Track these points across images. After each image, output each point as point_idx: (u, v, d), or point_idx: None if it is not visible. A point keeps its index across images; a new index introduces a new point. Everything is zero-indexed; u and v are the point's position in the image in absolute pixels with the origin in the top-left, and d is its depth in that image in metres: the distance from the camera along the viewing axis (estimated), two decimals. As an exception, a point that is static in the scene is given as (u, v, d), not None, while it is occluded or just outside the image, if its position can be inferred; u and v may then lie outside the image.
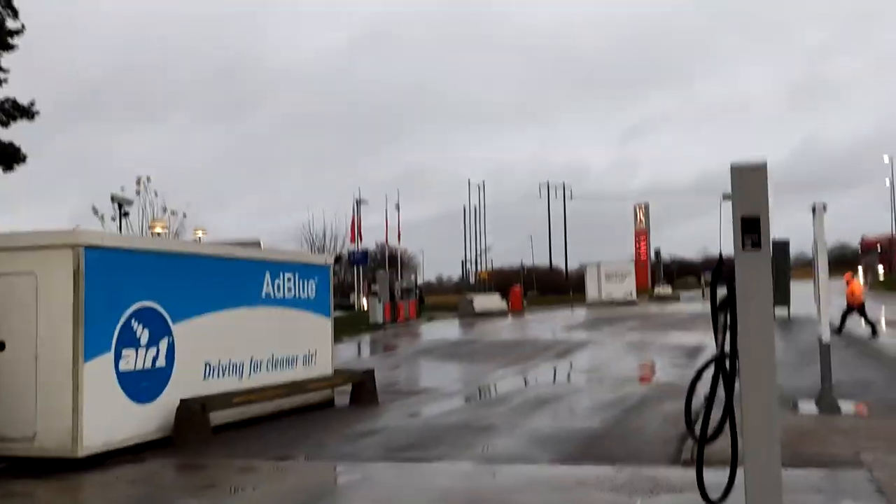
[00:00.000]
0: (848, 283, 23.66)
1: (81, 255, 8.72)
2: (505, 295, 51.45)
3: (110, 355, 9.07)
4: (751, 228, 5.09)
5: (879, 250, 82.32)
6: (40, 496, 7.79)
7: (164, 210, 30.16)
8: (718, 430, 5.39)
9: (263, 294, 11.75)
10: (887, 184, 73.67)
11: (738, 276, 5.11)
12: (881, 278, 68.19)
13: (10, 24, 26.47)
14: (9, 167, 26.98)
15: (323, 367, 13.03)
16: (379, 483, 7.99)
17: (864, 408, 11.01)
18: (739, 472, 5.25)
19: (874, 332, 21.85)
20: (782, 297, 27.89)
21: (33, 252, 8.84)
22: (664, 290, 65.51)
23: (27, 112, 26.18)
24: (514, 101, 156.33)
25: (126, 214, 24.29)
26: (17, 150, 26.69)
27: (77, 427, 8.57)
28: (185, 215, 30.77)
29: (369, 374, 13.77)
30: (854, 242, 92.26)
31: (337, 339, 23.45)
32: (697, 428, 5.53)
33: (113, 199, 23.18)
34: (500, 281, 65.06)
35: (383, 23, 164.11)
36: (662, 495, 6.92)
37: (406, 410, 12.74)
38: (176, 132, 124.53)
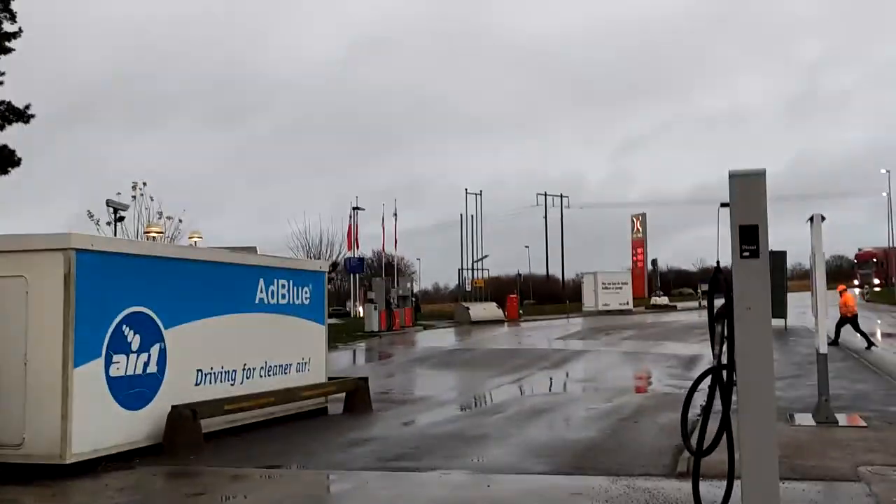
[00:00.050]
0: (841, 294, 23.63)
1: (72, 258, 8.63)
2: (501, 304, 51.34)
3: (101, 361, 8.97)
4: (749, 237, 5.03)
5: (875, 263, 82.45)
6: (28, 503, 7.67)
7: (160, 215, 30.06)
8: (715, 442, 5.31)
9: (257, 300, 11.66)
10: (884, 196, 73.73)
11: (735, 286, 5.04)
12: (877, 290, 68.26)
13: (8, 27, 26.39)
14: (3, 171, 26.87)
15: (317, 374, 12.92)
16: (371, 493, 7.89)
17: (861, 420, 10.92)
18: (736, 486, 5.17)
19: (869, 343, 21.79)
20: (779, 308, 27.83)
21: (24, 255, 8.74)
22: (661, 300, 65.44)
23: (22, 115, 26.09)
24: (512, 112, 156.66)
25: (121, 219, 24.14)
26: (12, 153, 26.58)
27: (66, 433, 8.47)
28: (180, 220, 30.64)
29: (363, 382, 13.67)
30: (850, 255, 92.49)
31: (332, 347, 23.39)
32: (694, 440, 5.45)
33: (108, 203, 23.04)
34: (497, 290, 64.86)
35: (382, 32, 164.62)
36: (658, 508, 6.83)
37: (400, 419, 12.64)
38: (174, 138, 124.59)
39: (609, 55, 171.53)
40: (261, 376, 11.60)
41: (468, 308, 47.89)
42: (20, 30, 26.67)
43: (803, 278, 49.20)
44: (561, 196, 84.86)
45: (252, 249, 14.54)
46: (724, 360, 5.27)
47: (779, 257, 27.58)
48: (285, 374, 12.15)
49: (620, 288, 57.61)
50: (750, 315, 4.97)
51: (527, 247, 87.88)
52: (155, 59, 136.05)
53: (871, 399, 13.29)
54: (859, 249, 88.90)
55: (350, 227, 56.32)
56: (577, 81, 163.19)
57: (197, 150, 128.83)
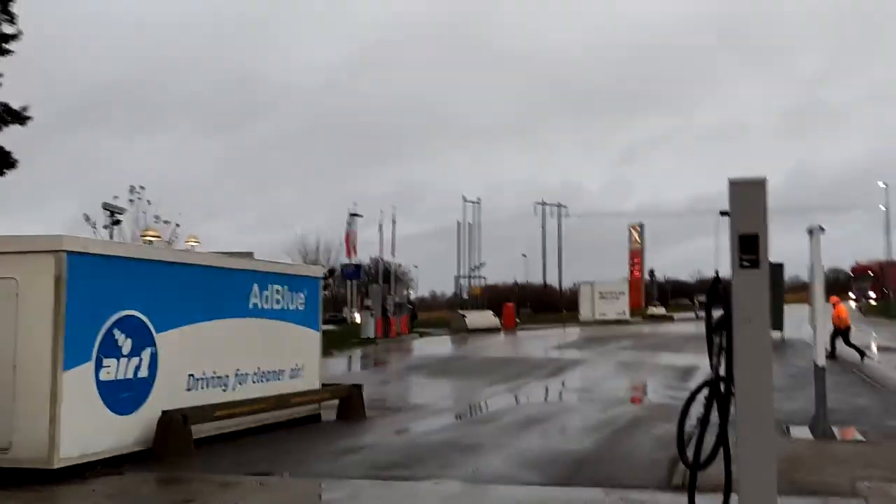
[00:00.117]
0: (835, 305, 23.57)
1: (64, 261, 8.52)
2: (498, 312, 51.26)
3: (91, 364, 8.85)
4: (748, 247, 4.94)
5: (871, 276, 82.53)
6: (13, 508, 7.57)
7: (157, 219, 29.94)
8: (712, 456, 5.21)
9: (251, 305, 11.55)
10: (881, 209, 73.79)
11: (734, 296, 4.96)
12: (873, 304, 68.29)
13: (7, 28, 26.27)
14: (-1, 172, 26.75)
15: (310, 380, 12.81)
16: (364, 502, 7.80)
17: (859, 435, 10.83)
18: (733, 500, 5.08)
19: (862, 355, 21.81)
20: (776, 320, 27.79)
21: (15, 257, 8.62)
22: (658, 310, 65.44)
23: (19, 116, 25.93)
24: (511, 121, 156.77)
25: (118, 223, 24.04)
26: (8, 154, 26.42)
27: (54, 437, 8.34)
28: (177, 225, 30.53)
29: (357, 389, 13.55)
30: (847, 268, 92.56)
31: (327, 354, 23.26)
32: (690, 453, 5.36)
33: (105, 206, 22.92)
34: (494, 298, 64.87)
35: (383, 40, 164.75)
36: (653, 521, 6.73)
37: (394, 427, 12.53)
38: (175, 142, 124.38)
39: (609, 66, 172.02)
40: (253, 382, 11.48)
41: (464, 316, 47.82)
42: (20, 32, 26.54)
43: (799, 290, 49.22)
44: (559, 205, 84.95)
45: (249, 254, 14.45)
46: (723, 373, 5.17)
47: (776, 270, 27.54)
48: (278, 380, 12.03)
49: (617, 298, 57.62)
50: (749, 327, 4.88)
51: (524, 255, 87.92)
52: (157, 63, 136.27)
53: (868, 413, 13.21)
54: (856, 263, 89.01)
55: (348, 234, 56.28)
56: (578, 91, 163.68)
57: (197, 154, 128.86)
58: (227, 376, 10.98)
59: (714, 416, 5.27)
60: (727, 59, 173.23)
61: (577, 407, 14.78)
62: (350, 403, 13.20)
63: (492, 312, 51.28)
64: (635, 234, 79.35)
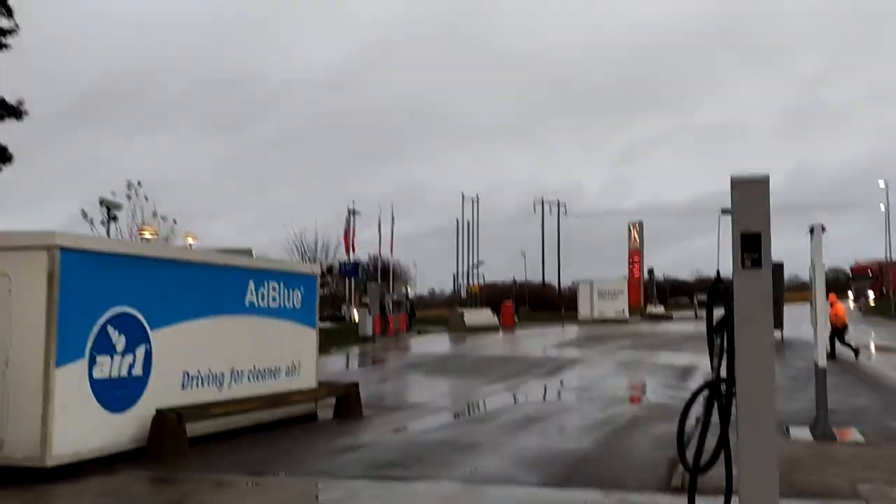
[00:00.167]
0: (832, 304, 23.54)
1: (57, 257, 8.43)
2: (496, 310, 51.14)
3: (84, 362, 8.76)
4: (751, 246, 4.85)
5: (871, 276, 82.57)
6: (4, 507, 7.48)
7: (155, 215, 29.88)
8: (713, 459, 5.11)
9: (247, 302, 11.46)
10: (881, 209, 73.65)
11: (736, 297, 4.86)
12: (872, 304, 68.27)
13: (4, 23, 26.20)
14: (-5, 167, 26.63)
15: (307, 379, 12.71)
16: (360, 502, 7.70)
17: (860, 436, 10.74)
18: (734, 502, 4.99)
19: (856, 354, 22.17)
20: (776, 319, 27.73)
21: (7, 253, 8.54)
22: (657, 309, 65.31)
23: (15, 111, 25.83)
24: (511, 120, 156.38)
25: (115, 218, 23.96)
26: (4, 149, 26.32)
27: (47, 435, 8.26)
28: (175, 221, 30.47)
29: (354, 388, 13.46)
30: (846, 267, 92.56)
31: (325, 352, 23.16)
32: (689, 454, 5.26)
33: (101, 202, 22.84)
34: (492, 296, 64.76)
35: (383, 39, 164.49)
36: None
37: (391, 426, 12.44)
38: (175, 140, 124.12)
39: (609, 66, 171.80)
40: (249, 380, 11.39)
41: (463, 314, 47.68)
42: (16, 26, 26.46)
43: (798, 290, 49.13)
44: (558, 203, 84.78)
45: (248, 252, 14.35)
46: (724, 374, 5.08)
47: (776, 269, 27.47)
48: (275, 378, 11.94)
49: (616, 297, 57.50)
50: (751, 328, 4.78)
51: (523, 254, 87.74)
52: (157, 63, 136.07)
53: (869, 414, 13.11)
54: (855, 263, 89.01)
55: (347, 231, 56.19)
56: (577, 91, 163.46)
57: (197, 152, 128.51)
58: (223, 374, 10.88)
59: (714, 418, 5.17)
60: (727, 59, 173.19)
61: (576, 406, 14.69)
62: (347, 402, 13.11)
63: (490, 311, 51.14)
64: (635, 233, 79.18)
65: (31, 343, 8.37)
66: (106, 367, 9.04)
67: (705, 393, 5.33)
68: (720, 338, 5.10)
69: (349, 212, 54.79)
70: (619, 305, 56.99)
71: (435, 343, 35.51)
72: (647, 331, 42.40)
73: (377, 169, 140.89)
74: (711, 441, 5.23)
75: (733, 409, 5.00)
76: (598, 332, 41.49)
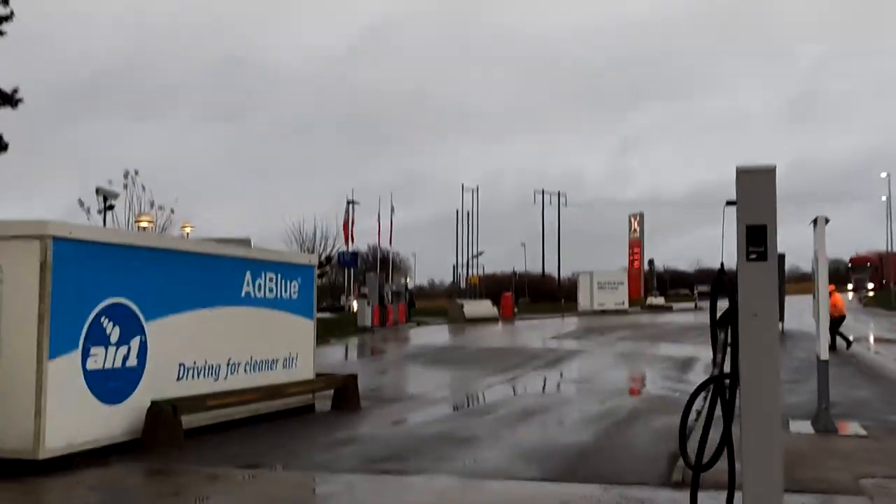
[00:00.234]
0: (831, 294, 23.53)
1: (49, 246, 8.30)
2: (496, 301, 51.07)
3: (77, 353, 8.64)
4: (756, 238, 4.72)
5: (870, 267, 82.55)
6: (-5, 500, 7.38)
7: (152, 205, 29.79)
8: (715, 457, 4.99)
9: (243, 293, 11.33)
10: (883, 200, 73.51)
11: (740, 290, 4.74)
12: (871, 294, 68.26)
13: (0, 10, 25.98)
14: (-11, 155, 26.44)
15: (304, 370, 12.61)
16: (356, 496, 7.63)
17: (862, 429, 10.64)
18: (737, 499, 4.89)
19: (848, 344, 22.54)
20: (778, 312, 27.78)
21: (-2, 242, 8.40)
22: (657, 300, 65.28)
23: (9, 99, 25.64)
24: (511, 110, 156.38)
25: (111, 207, 23.84)
26: (-1, 137, 26.19)
27: (39, 428, 8.13)
28: (172, 210, 30.38)
29: (352, 379, 13.36)
30: (847, 258, 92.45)
31: (324, 342, 23.09)
32: (690, 450, 5.15)
33: (98, 191, 22.71)
34: (492, 287, 64.74)
35: (383, 28, 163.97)
36: (652, 519, 6.55)
37: (389, 418, 12.34)
38: (174, 129, 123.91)
39: (611, 55, 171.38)
40: (246, 372, 11.28)
41: (462, 305, 47.62)
42: (12, 13, 26.25)
43: (799, 281, 49.06)
44: (559, 194, 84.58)
45: (246, 242, 14.24)
46: (727, 369, 4.96)
47: (778, 261, 27.44)
48: (271, 369, 11.83)
49: (616, 288, 57.43)
50: (756, 321, 4.66)
51: (523, 244, 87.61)
52: (156, 49, 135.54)
53: (870, 407, 13.02)
54: (855, 254, 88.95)
55: (346, 222, 56.12)
56: (579, 80, 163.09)
57: (196, 142, 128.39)
58: (219, 366, 10.77)
59: (717, 414, 5.06)
60: (729, 49, 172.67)
61: (576, 398, 14.60)
62: (345, 393, 13.01)
63: (490, 302, 51.09)
64: (635, 224, 79.04)
65: (23, 334, 8.24)
66: (100, 359, 8.92)
67: (708, 389, 5.22)
68: (724, 332, 4.98)
69: (348, 202, 54.77)
70: (619, 296, 56.94)
71: (434, 334, 35.44)
72: (648, 322, 42.35)
73: (377, 158, 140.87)
74: (713, 436, 5.11)
75: (737, 404, 4.88)
76: (598, 323, 41.43)
